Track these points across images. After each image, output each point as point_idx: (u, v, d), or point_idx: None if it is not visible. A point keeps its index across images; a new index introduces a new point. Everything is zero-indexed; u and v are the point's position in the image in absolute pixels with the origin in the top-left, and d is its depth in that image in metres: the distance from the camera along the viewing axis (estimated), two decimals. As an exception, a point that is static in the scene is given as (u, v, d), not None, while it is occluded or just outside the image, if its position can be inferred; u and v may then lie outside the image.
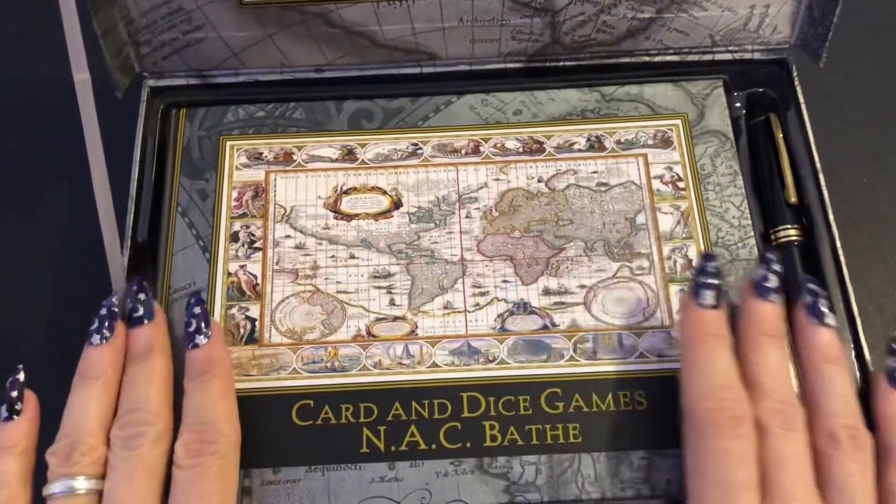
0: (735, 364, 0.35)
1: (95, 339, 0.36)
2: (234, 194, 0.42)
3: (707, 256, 0.37)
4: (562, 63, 0.45)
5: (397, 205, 0.42)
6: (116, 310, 0.37)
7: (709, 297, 0.36)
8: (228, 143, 0.44)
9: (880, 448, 0.35)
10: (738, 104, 0.45)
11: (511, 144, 0.43)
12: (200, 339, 0.36)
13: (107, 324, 0.37)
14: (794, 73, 0.44)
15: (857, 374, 0.38)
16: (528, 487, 0.37)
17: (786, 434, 0.34)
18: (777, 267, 0.36)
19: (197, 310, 0.37)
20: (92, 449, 0.34)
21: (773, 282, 0.36)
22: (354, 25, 0.43)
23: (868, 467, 0.34)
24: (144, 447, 0.34)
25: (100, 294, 0.39)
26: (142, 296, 0.38)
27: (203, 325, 0.37)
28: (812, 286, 0.37)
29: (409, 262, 0.41)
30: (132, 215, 0.42)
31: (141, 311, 0.37)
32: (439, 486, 0.37)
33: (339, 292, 0.40)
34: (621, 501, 0.36)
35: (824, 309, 0.36)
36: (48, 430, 0.36)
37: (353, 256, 0.41)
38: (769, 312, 0.36)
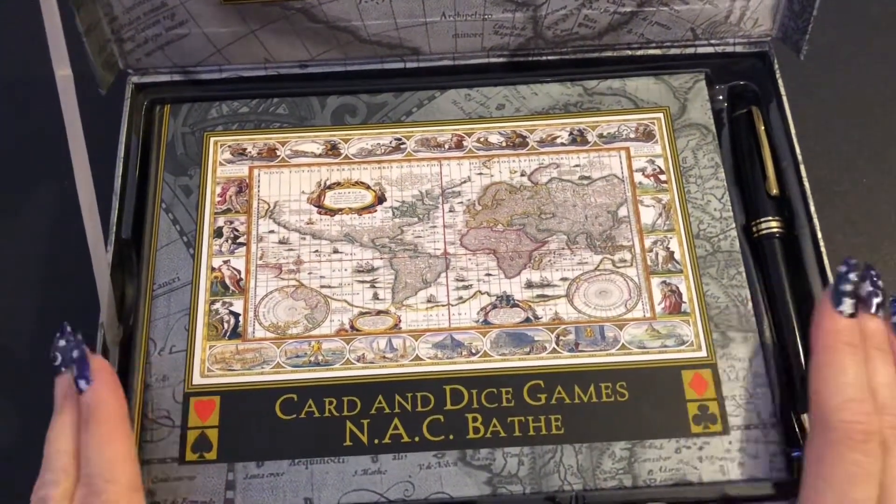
0: (865, 375, 0.35)
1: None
2: (218, 190, 0.43)
3: (848, 264, 0.36)
4: (544, 57, 0.46)
5: (381, 199, 0.42)
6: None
7: (848, 304, 0.36)
8: (212, 139, 0.44)
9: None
10: (719, 97, 0.45)
11: (494, 139, 0.44)
12: (82, 384, 0.35)
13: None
14: (776, 66, 0.45)
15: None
16: (511, 479, 0.37)
17: None
18: (881, 283, 0.36)
19: (75, 353, 0.36)
20: None
21: (879, 297, 0.36)
22: (337, 21, 0.43)
23: None
24: None
25: (86, 290, 0.39)
26: (61, 342, 0.36)
27: (83, 368, 0.35)
28: None
29: (393, 256, 0.41)
30: (116, 212, 0.42)
31: (59, 360, 0.36)
32: (422, 478, 0.37)
33: (322, 287, 0.40)
34: (603, 492, 0.37)
35: None
36: (36, 430, 0.36)
37: (336, 251, 0.41)
38: (876, 327, 0.36)
